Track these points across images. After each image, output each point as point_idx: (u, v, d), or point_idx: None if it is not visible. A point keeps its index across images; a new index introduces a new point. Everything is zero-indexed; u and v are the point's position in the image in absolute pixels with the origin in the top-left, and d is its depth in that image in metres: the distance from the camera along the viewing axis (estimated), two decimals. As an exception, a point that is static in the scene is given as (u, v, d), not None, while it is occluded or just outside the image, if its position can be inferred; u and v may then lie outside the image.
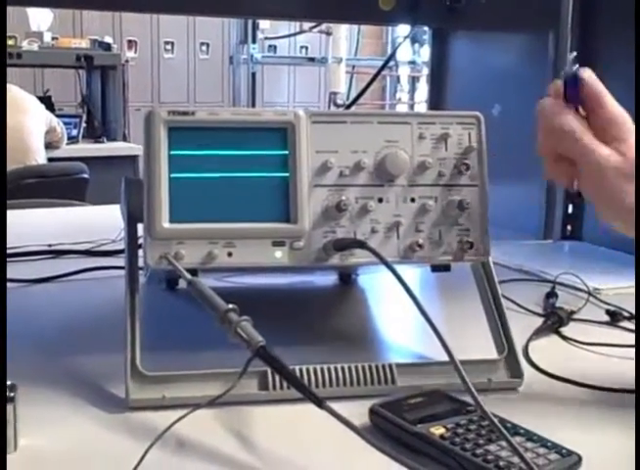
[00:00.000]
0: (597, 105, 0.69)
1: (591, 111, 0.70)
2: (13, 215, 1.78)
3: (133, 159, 3.97)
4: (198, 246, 0.71)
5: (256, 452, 0.61)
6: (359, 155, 0.74)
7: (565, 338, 0.90)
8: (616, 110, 0.69)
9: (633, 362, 0.82)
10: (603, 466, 0.59)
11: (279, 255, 0.72)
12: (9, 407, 0.58)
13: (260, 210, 0.72)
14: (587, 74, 0.70)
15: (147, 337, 0.72)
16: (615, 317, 0.96)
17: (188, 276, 0.68)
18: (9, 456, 0.58)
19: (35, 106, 3.72)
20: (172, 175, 0.71)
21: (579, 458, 0.58)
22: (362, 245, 0.71)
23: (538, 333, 0.89)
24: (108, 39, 4.81)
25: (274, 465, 0.59)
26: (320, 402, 0.59)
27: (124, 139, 4.55)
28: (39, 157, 3.59)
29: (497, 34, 1.63)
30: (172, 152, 0.71)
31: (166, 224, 0.70)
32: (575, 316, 0.96)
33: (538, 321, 0.93)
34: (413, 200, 0.75)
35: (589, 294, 1.04)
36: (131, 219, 0.77)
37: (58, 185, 3.17)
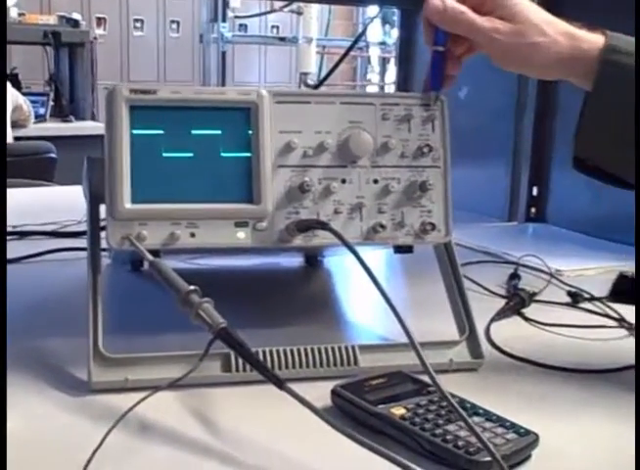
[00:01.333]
0: None
1: None
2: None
3: (102, 138, 3.90)
4: (160, 227, 0.70)
5: (219, 434, 0.61)
6: (323, 135, 0.74)
7: (526, 319, 0.91)
8: None
9: (593, 343, 0.83)
10: (560, 445, 0.60)
11: (242, 235, 0.72)
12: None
13: (223, 190, 0.72)
14: None
15: (110, 319, 0.71)
16: (575, 298, 0.98)
17: (150, 257, 0.68)
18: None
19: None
20: (134, 155, 0.70)
21: (537, 437, 0.58)
22: (324, 226, 0.72)
23: (500, 314, 0.90)
24: (76, 16, 4.73)
25: (236, 447, 0.59)
26: (281, 383, 0.59)
27: (93, 118, 4.50)
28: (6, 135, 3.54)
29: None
30: (134, 131, 0.71)
31: (128, 205, 0.70)
32: (537, 298, 0.97)
33: (501, 303, 0.94)
34: (376, 181, 0.75)
35: (551, 275, 1.06)
36: (94, 200, 0.76)
37: (25, 165, 3.13)
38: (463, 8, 0.72)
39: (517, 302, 0.93)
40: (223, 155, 0.72)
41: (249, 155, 0.72)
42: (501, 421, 0.60)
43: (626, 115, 0.69)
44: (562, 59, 0.71)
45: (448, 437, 0.57)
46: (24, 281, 1.02)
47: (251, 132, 0.72)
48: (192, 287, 0.64)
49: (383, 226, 0.74)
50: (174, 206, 0.71)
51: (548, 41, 0.70)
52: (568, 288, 1.01)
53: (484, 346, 0.77)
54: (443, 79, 0.76)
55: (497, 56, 0.72)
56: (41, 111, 4.27)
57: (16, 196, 1.77)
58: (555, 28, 0.71)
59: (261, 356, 0.70)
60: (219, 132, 0.72)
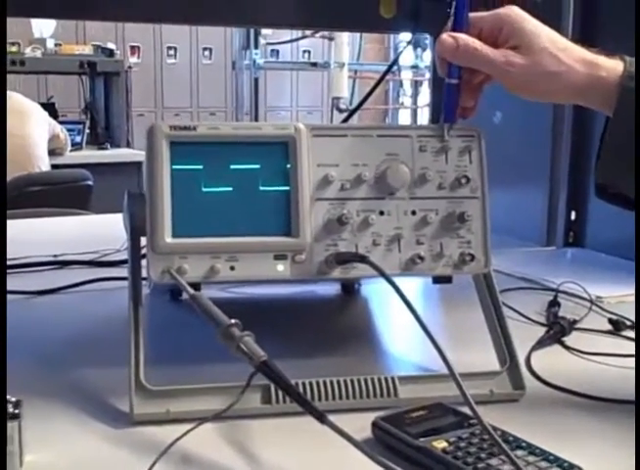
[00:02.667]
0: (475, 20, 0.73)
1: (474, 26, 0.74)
2: (17, 225, 1.79)
3: (137, 165, 3.96)
4: (200, 260, 0.71)
5: (260, 466, 0.61)
6: (360, 168, 0.75)
7: (567, 348, 0.90)
8: (492, 16, 0.73)
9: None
10: (604, 479, 0.59)
11: (281, 268, 0.73)
12: (14, 424, 0.58)
13: (262, 223, 0.73)
14: None
15: (151, 350, 0.72)
16: (617, 326, 0.97)
17: (191, 291, 0.69)
18: (15, 473, 0.59)
19: (38, 113, 3.73)
20: (174, 190, 0.71)
21: (581, 471, 0.58)
22: (363, 259, 0.72)
23: (541, 343, 0.89)
24: (110, 45, 4.83)
25: (277, 480, 0.59)
26: (322, 417, 0.59)
27: (128, 145, 4.57)
28: (43, 164, 3.60)
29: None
30: (174, 166, 0.72)
31: (169, 239, 0.71)
32: (578, 325, 0.96)
33: (541, 331, 0.93)
34: (414, 212, 0.75)
35: (591, 302, 1.05)
36: (134, 233, 0.77)
37: (62, 193, 3.18)
38: (477, 44, 0.72)
39: (557, 330, 0.92)
40: (262, 188, 0.73)
41: (287, 188, 0.73)
42: (545, 455, 0.59)
43: None
44: (580, 87, 0.71)
45: (491, 471, 0.57)
46: (64, 311, 1.03)
47: (289, 166, 0.73)
48: (232, 321, 0.65)
49: (421, 257, 0.74)
50: (214, 240, 0.72)
51: (565, 70, 0.70)
52: (609, 315, 1.00)
53: (525, 376, 0.76)
54: (458, 111, 0.76)
55: (513, 87, 0.72)
56: (77, 139, 4.35)
57: (54, 225, 1.80)
58: (572, 56, 0.70)
59: (301, 388, 0.70)
60: (258, 166, 0.73)
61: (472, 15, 0.73)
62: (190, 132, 0.73)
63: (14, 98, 3.59)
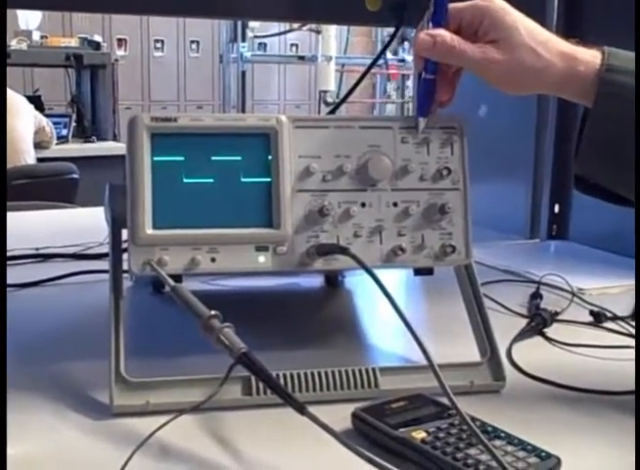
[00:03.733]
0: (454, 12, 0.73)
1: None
2: (1, 218, 1.78)
3: (124, 158, 3.92)
4: (181, 252, 0.71)
5: (240, 458, 0.61)
6: (341, 159, 0.75)
7: (548, 339, 0.90)
8: (471, 8, 0.72)
9: (617, 363, 0.82)
10: (581, 469, 0.60)
11: (262, 260, 0.73)
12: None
13: (243, 215, 0.73)
14: None
15: (132, 342, 0.72)
16: (598, 318, 0.97)
17: (171, 282, 0.69)
18: (-8, 464, 0.58)
19: (24, 106, 3.71)
20: (155, 181, 0.71)
21: (558, 461, 0.58)
22: (344, 251, 0.72)
23: (522, 335, 0.90)
24: (97, 38, 4.80)
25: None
26: (302, 409, 0.59)
27: (114, 139, 4.54)
28: (28, 157, 3.58)
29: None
30: (155, 158, 0.72)
31: (150, 231, 0.71)
32: (560, 317, 0.97)
33: (522, 322, 0.94)
34: (395, 204, 0.75)
35: (573, 294, 1.05)
36: (115, 225, 0.77)
37: (47, 186, 3.17)
38: (455, 41, 0.71)
39: (539, 322, 0.93)
40: (243, 180, 0.73)
41: (268, 180, 0.73)
42: (523, 444, 0.60)
43: (625, 132, 0.68)
44: (558, 81, 0.71)
45: (469, 461, 0.57)
46: (46, 304, 1.03)
47: (270, 157, 0.73)
48: (213, 312, 0.65)
49: (402, 249, 0.75)
50: (195, 231, 0.71)
51: (543, 65, 0.70)
52: (590, 307, 1.00)
53: (506, 367, 0.77)
54: (433, 105, 0.76)
55: (493, 82, 0.72)
56: (63, 132, 4.32)
57: (38, 218, 1.80)
58: (550, 50, 0.70)
59: (282, 380, 0.70)
60: (239, 158, 0.73)
61: (451, 6, 0.73)
62: (171, 124, 0.72)
63: None
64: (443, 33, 0.71)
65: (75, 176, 3.34)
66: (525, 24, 0.71)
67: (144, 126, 0.71)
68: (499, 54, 0.70)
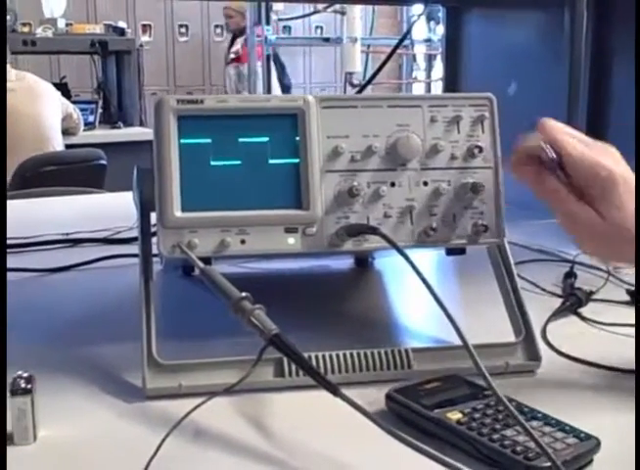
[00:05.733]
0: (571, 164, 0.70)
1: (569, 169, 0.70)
2: (31, 204, 1.80)
3: (150, 143, 3.92)
4: (210, 234, 0.71)
5: (272, 439, 0.61)
6: (370, 139, 0.73)
7: (584, 319, 0.89)
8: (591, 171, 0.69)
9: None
10: (622, 450, 0.59)
11: (292, 241, 0.72)
12: (26, 399, 0.59)
13: (272, 196, 0.72)
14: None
15: (163, 325, 0.72)
16: (634, 297, 0.95)
17: (201, 265, 0.68)
18: (28, 447, 0.59)
19: (51, 93, 3.72)
20: (182, 164, 0.71)
21: (598, 442, 0.57)
22: (375, 230, 0.71)
23: (557, 314, 0.89)
24: (122, 24, 4.81)
25: (290, 452, 0.59)
26: (335, 390, 0.58)
27: (141, 124, 4.56)
28: (57, 144, 3.60)
29: (512, 12, 1.61)
30: (182, 140, 0.71)
31: (178, 213, 0.70)
32: (595, 297, 0.95)
33: (557, 302, 0.92)
34: (426, 183, 0.74)
35: (608, 273, 1.03)
36: (144, 208, 0.76)
37: (76, 172, 3.18)
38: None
39: (574, 301, 0.91)
40: (271, 162, 0.72)
41: (296, 161, 0.72)
42: (560, 425, 0.59)
43: None
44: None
45: (506, 442, 0.56)
46: (77, 289, 1.03)
47: (298, 138, 0.72)
48: (243, 294, 0.64)
49: (434, 229, 0.74)
50: (224, 213, 0.71)
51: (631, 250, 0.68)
52: (626, 286, 0.99)
53: (541, 347, 0.75)
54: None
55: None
56: (90, 118, 4.34)
57: (68, 204, 1.81)
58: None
59: (314, 362, 0.69)
60: (266, 139, 0.72)
61: (570, 155, 0.70)
62: (197, 106, 0.72)
63: (27, 78, 3.59)
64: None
65: (103, 162, 3.35)
66: (627, 200, 0.67)
67: (170, 109, 0.71)
68: (599, 226, 0.68)
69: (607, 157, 0.69)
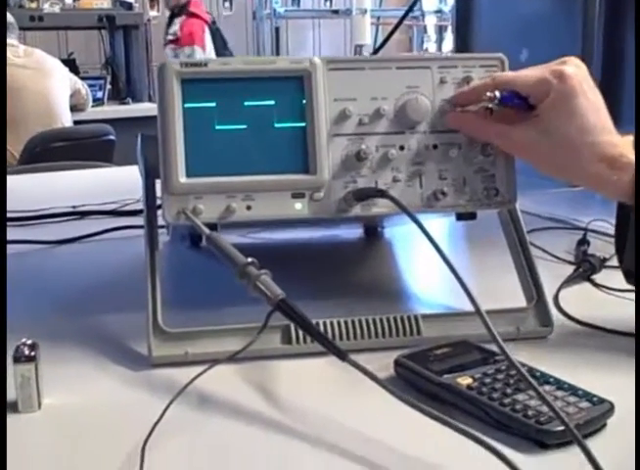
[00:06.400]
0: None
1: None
2: (39, 178, 1.79)
3: (158, 118, 3.91)
4: (216, 200, 0.69)
5: (279, 405, 0.60)
6: (379, 102, 0.72)
7: (597, 285, 0.88)
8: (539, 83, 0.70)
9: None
10: (635, 414, 0.57)
11: (299, 206, 0.71)
12: (30, 366, 0.58)
13: (278, 161, 0.71)
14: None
15: (169, 294, 0.71)
16: (648, 263, 0.94)
17: (207, 231, 0.67)
18: (33, 415, 0.58)
19: (60, 69, 3.71)
20: (187, 129, 0.69)
21: (612, 406, 0.56)
22: (383, 194, 0.70)
23: (569, 281, 0.87)
24: (129, -2, 4.77)
25: (297, 419, 0.58)
26: (343, 355, 0.57)
27: (149, 99, 4.54)
28: (65, 120, 3.59)
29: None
30: (186, 105, 0.70)
31: (183, 179, 0.69)
32: (608, 263, 0.93)
33: (569, 269, 0.91)
34: (435, 146, 0.73)
35: (622, 240, 1.01)
36: (149, 176, 0.75)
37: (84, 148, 3.17)
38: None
39: (586, 268, 0.90)
40: (277, 125, 0.71)
41: (303, 124, 0.71)
42: (573, 389, 0.57)
43: None
44: (591, 182, 0.70)
45: (517, 406, 0.55)
46: (84, 260, 1.03)
47: (304, 101, 0.71)
48: (249, 259, 0.63)
49: (444, 193, 0.72)
50: (229, 178, 0.70)
51: (577, 169, 0.69)
52: None
53: (553, 313, 0.74)
54: None
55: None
56: (99, 94, 4.33)
57: (76, 177, 1.80)
58: (592, 155, 0.68)
59: (322, 328, 0.68)
60: (272, 103, 0.71)
61: (517, 76, 0.71)
62: (201, 68, 0.70)
63: (35, 54, 3.58)
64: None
65: (112, 138, 3.34)
66: (579, 121, 0.69)
67: (173, 72, 0.69)
68: (543, 145, 0.69)
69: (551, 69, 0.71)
